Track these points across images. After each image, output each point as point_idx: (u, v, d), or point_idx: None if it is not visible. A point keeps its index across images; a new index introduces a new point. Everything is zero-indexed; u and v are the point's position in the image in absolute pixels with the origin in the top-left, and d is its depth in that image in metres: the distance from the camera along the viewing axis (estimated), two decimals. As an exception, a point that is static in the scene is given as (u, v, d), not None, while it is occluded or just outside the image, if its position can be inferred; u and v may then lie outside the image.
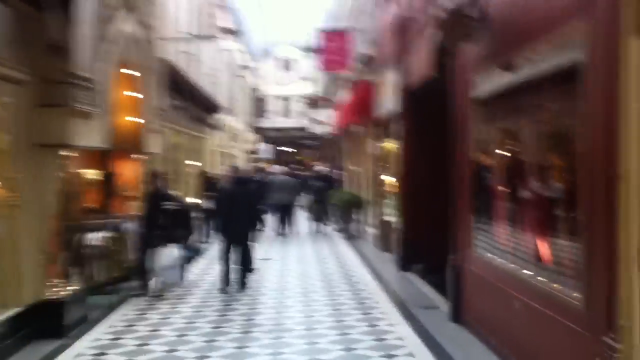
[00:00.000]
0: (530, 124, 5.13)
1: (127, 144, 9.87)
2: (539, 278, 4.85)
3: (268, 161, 37.12)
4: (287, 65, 49.00)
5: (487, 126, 6.24)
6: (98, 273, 8.14)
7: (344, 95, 18.98)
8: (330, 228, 17.32)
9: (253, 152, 37.54)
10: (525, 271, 5.14)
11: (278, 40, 46.64)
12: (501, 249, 5.79)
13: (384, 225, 12.50)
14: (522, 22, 5.15)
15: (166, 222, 8.87)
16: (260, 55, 45.12)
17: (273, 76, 48.20)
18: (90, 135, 7.35)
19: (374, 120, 13.61)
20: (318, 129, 25.86)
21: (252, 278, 9.64)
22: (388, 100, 11.74)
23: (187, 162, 17.43)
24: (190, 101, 15.22)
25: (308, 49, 19.57)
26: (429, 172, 10.21)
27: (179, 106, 12.87)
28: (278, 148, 48.43)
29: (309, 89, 37.46)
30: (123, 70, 9.37)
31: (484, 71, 6.06)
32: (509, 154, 5.79)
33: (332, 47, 16.58)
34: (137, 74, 9.57)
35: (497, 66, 5.62)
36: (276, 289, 9.24)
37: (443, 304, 7.63)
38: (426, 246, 10.05)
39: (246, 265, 9.38)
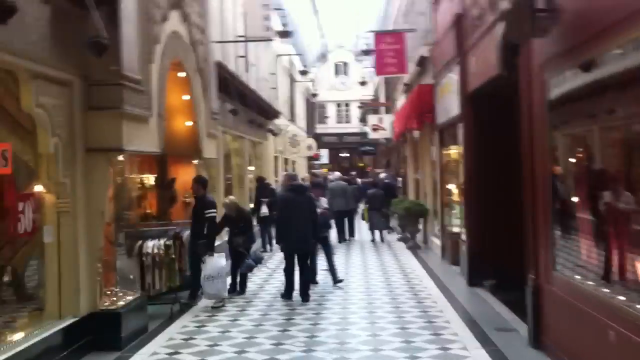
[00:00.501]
0: (618, 127, 4.45)
1: (184, 149, 9.63)
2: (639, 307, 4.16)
3: (327, 167, 36.72)
4: (344, 70, 48.64)
5: (567, 130, 5.56)
6: (158, 282, 7.84)
7: (402, 100, 18.35)
8: (391, 237, 16.76)
9: (312, 158, 37.21)
10: (621, 297, 4.45)
11: (334, 46, 46.33)
12: (588, 268, 5.11)
13: (451, 236, 11.80)
14: (601, 10, 4.48)
15: (211, 230, 8.54)
16: (317, 60, 44.91)
17: (330, 81, 47.91)
18: (143, 139, 7.06)
19: (435, 125, 12.95)
20: (376, 135, 25.25)
21: (314, 289, 9.22)
22: (448, 104, 11.09)
23: (248, 168, 17.21)
24: (249, 106, 14.94)
25: (363, 52, 18.97)
26: (497, 179, 9.53)
27: (237, 111, 12.55)
28: (337, 154, 48.18)
29: (366, 93, 36.90)
30: (179, 74, 9.11)
31: (560, 70, 5.39)
32: (594, 162, 5.10)
33: (387, 49, 15.99)
34: (192, 77, 9.27)
35: (575, 64, 4.94)
36: (339, 302, 8.76)
37: (520, 326, 6.94)
38: (497, 260, 9.38)
39: (309, 276, 9.12)
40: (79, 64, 6.21)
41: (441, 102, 12.07)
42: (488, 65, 7.91)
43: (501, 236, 9.50)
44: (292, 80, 31.37)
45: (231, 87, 12.21)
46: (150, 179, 9.88)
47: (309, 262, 9.18)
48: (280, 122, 23.57)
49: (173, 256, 7.90)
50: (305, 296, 8.77)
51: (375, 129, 24.18)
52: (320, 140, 44.13)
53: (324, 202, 10.90)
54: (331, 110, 49.09)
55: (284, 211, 8.89)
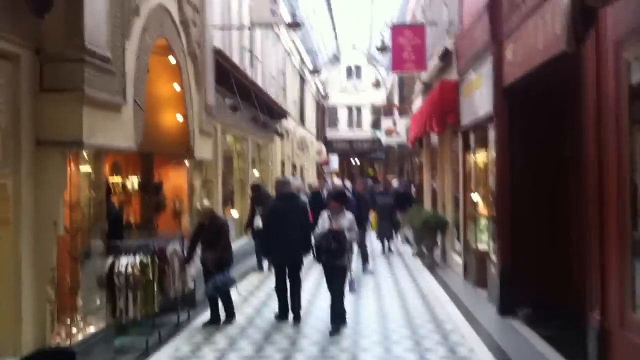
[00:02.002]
0: None
1: (173, 148, 8.31)
2: None
3: (336, 173, 35.40)
4: (356, 73, 47.31)
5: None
6: (131, 308, 6.47)
7: (420, 101, 16.99)
8: (405, 248, 15.44)
9: (322, 163, 35.90)
10: None
11: (346, 48, 44.99)
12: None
13: (476, 254, 10.38)
14: None
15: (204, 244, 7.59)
16: (329, 62, 43.62)
17: (342, 85, 46.58)
18: (113, 132, 5.74)
19: (458, 127, 11.56)
20: (390, 139, 23.88)
21: (320, 314, 7.94)
22: (477, 102, 9.72)
23: (254, 171, 15.92)
24: (253, 104, 13.62)
25: (379, 49, 17.62)
26: (536, 189, 8.19)
27: (238, 107, 11.21)
28: (348, 160, 46.82)
29: (379, 97, 35.56)
30: (169, 58, 7.81)
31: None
32: None
33: (406, 44, 14.62)
34: (182, 62, 7.96)
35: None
36: (349, 335, 7.37)
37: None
38: (534, 285, 8.00)
39: (294, 294, 8.03)
40: (29, 32, 4.93)
41: (467, 100, 10.69)
42: (536, 49, 6.55)
43: (540, 257, 8.15)
44: (303, 81, 30.08)
45: (233, 81, 10.89)
46: (133, 182, 8.57)
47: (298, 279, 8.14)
48: (289, 123, 22.26)
49: (152, 275, 6.53)
50: (296, 317, 7.93)
51: (389, 132, 22.79)
52: (331, 145, 42.84)
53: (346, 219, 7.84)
54: (342, 115, 47.69)
55: (270, 221, 8.01)
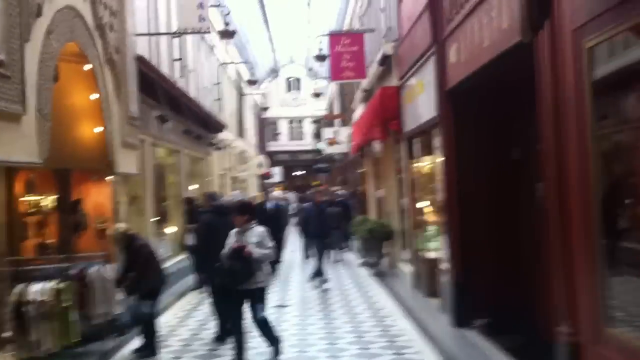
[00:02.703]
0: None
1: (92, 162, 7.52)
2: None
3: (279, 186, 34.70)
4: (296, 85, 46.93)
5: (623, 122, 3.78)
6: (47, 338, 5.65)
7: (362, 109, 16.60)
8: (350, 256, 15.41)
9: (263, 176, 35.15)
10: None
11: (285, 60, 44.58)
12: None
13: (426, 264, 9.94)
14: None
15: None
16: (268, 76, 43.07)
17: (282, 97, 46.11)
18: (10, 145, 4.93)
19: (402, 134, 11.16)
20: (332, 149, 23.43)
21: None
22: (420, 108, 9.34)
23: (190, 187, 15.10)
24: (186, 116, 12.85)
25: (317, 58, 17.18)
26: (487, 194, 7.78)
27: (166, 118, 10.44)
28: (291, 172, 46.25)
29: (320, 107, 35.19)
30: (85, 67, 7.06)
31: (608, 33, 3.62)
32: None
33: (344, 52, 14.23)
34: (98, 70, 7.19)
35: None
36: (292, 352, 6.72)
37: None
38: (492, 294, 7.59)
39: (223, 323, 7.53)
40: None
41: (410, 107, 10.29)
42: (481, 48, 6.15)
43: (496, 265, 7.73)
44: (241, 94, 29.35)
45: (159, 91, 10.12)
46: (47, 201, 7.71)
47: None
48: (226, 136, 21.48)
49: (68, 304, 5.71)
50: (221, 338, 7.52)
51: (331, 143, 22.35)
52: (273, 158, 42.19)
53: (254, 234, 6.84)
54: (283, 127, 47.22)
55: (204, 237, 7.58)
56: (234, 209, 6.52)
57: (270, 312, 8.80)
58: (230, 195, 21.47)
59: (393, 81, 11.41)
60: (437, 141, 8.68)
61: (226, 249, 6.31)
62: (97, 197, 8.08)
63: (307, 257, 14.91)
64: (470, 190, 7.72)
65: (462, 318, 7.74)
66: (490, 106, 7.46)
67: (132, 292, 6.77)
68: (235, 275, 6.12)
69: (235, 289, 6.26)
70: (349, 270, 13.74)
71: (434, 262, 9.63)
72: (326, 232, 11.85)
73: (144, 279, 6.66)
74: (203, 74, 18.39)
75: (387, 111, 10.99)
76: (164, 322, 8.73)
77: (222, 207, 7.76)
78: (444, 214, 8.22)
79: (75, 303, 6.04)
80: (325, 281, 11.39)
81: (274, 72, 44.74)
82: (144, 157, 10.84)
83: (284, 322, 8.44)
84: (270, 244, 6.40)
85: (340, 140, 22.21)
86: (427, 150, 9.76)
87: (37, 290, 5.46)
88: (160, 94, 10.22)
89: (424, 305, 9.35)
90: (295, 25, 29.53)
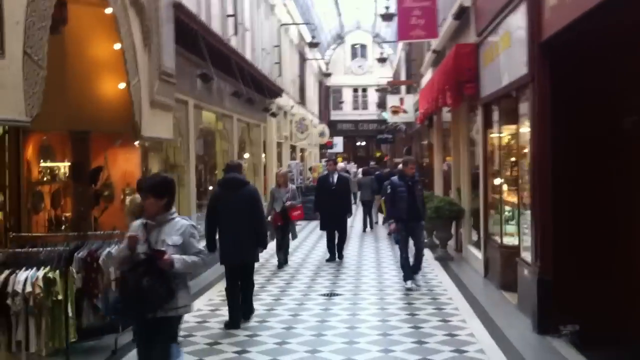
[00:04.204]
0: None
1: (113, 125, 6.50)
2: None
3: (340, 157, 33.51)
4: (361, 53, 45.20)
5: None
6: (34, 339, 4.70)
7: (430, 74, 15.05)
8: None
9: (325, 146, 34.00)
10: None
11: (351, 26, 42.83)
12: None
13: (502, 251, 8.53)
14: None
15: None
16: (333, 42, 41.57)
17: (346, 65, 44.56)
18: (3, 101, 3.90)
19: (478, 100, 9.67)
20: (397, 118, 21.93)
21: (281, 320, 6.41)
22: (502, 67, 7.86)
23: (244, 156, 14.13)
24: (237, 77, 11.72)
25: (383, 17, 15.69)
26: (590, 174, 6.30)
27: (210, 77, 9.33)
28: (354, 143, 44.93)
29: (385, 75, 33.51)
30: (106, 10, 6.00)
31: None
32: None
33: (414, 7, 12.74)
34: (120, 13, 6.09)
35: None
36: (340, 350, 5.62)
37: None
38: (586, 296, 6.18)
39: (245, 302, 7.04)
40: None
41: (489, 67, 8.78)
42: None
43: (593, 260, 6.32)
44: (303, 59, 28.10)
45: (204, 46, 8.99)
46: (63, 169, 6.77)
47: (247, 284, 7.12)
48: (285, 102, 20.35)
49: (59, 297, 4.71)
50: (246, 314, 6.99)
51: (395, 111, 20.86)
52: (335, 127, 40.91)
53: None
54: (347, 96, 45.72)
55: (213, 212, 6.89)
56: (146, 188, 4.23)
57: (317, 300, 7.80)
58: (288, 165, 20.52)
59: (470, 39, 9.88)
60: (524, 107, 7.22)
61: (122, 253, 4.14)
62: (125, 166, 7.07)
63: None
64: (567, 168, 6.28)
65: (547, 323, 6.38)
66: (599, 63, 5.94)
67: None
68: (145, 296, 3.94)
69: (143, 319, 4.09)
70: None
71: (511, 250, 8.24)
72: (419, 214, 8.88)
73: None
74: (262, 34, 17.24)
75: (462, 72, 9.50)
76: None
77: (235, 180, 6.86)
78: (531, 194, 6.78)
79: (70, 296, 5.01)
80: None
81: (339, 38, 43.18)
82: (187, 120, 9.82)
83: (329, 313, 7.33)
84: (201, 244, 4.28)
85: (405, 108, 20.67)
86: (510, 118, 8.30)
87: (24, 279, 4.48)
88: (205, 50, 9.08)
89: (498, 301, 7.99)
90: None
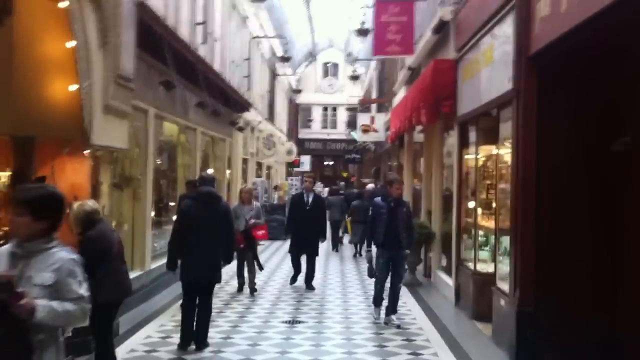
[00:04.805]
0: None
1: (61, 130, 5.86)
2: None
3: (310, 175, 33.02)
4: (333, 71, 45.00)
5: None
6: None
7: (404, 93, 14.71)
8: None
9: (292, 164, 33.47)
10: None
11: (324, 44, 42.60)
12: None
13: (475, 279, 8.10)
14: None
15: None
16: (305, 59, 41.26)
17: (317, 83, 44.28)
18: None
19: (454, 119, 9.31)
20: (367, 137, 21.58)
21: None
22: (483, 83, 7.51)
23: (209, 171, 13.47)
24: (207, 89, 11.13)
25: (358, 33, 15.36)
26: (581, 195, 5.93)
27: (172, 84, 8.74)
28: (321, 162, 44.51)
29: (356, 95, 33.25)
30: (60, 4, 5.43)
31: None
32: None
33: (391, 22, 12.40)
34: (74, 6, 5.50)
35: None
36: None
37: None
38: (568, 330, 5.79)
39: (200, 327, 6.51)
40: None
41: (469, 84, 8.43)
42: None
43: (577, 289, 5.92)
44: (274, 74, 27.65)
45: (167, 51, 8.42)
46: (3, 178, 6.09)
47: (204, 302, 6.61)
48: (253, 117, 19.80)
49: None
50: (199, 347, 6.42)
51: (366, 130, 20.48)
52: (303, 145, 40.48)
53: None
54: (317, 114, 45.38)
55: (182, 226, 6.53)
56: (23, 200, 3.00)
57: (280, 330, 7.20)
58: (253, 182, 19.92)
59: (448, 55, 9.53)
60: (505, 126, 6.84)
61: None
62: (73, 176, 6.40)
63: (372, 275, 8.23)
64: (554, 190, 5.88)
65: (526, 357, 5.92)
66: (592, 78, 5.59)
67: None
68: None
69: None
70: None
71: (484, 278, 7.83)
72: (399, 242, 7.72)
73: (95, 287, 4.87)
74: (232, 46, 16.72)
75: (439, 89, 9.12)
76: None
77: (208, 194, 6.54)
78: (512, 219, 6.36)
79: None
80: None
81: (311, 55, 42.89)
82: (147, 131, 9.20)
83: (295, 346, 6.74)
84: (82, 288, 2.99)
85: (375, 127, 20.34)
86: (488, 138, 7.94)
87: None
88: (169, 55, 8.51)
89: (470, 332, 7.53)
90: (336, 3, 27.57)
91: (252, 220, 9.59)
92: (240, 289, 9.77)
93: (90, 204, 5.09)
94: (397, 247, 7.73)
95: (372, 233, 7.80)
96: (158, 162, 11.03)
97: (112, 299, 4.94)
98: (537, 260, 6.00)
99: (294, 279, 10.49)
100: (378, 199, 8.04)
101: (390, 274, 7.89)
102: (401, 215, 7.76)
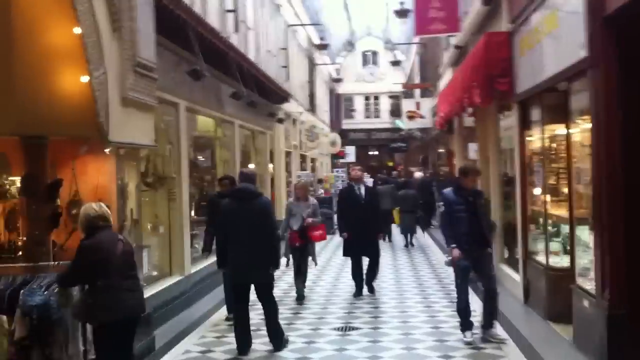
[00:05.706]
0: None
1: (74, 127, 5.27)
2: None
3: (353, 166, 32.21)
4: (372, 59, 43.98)
5: None
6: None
7: (450, 75, 13.78)
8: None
9: (337, 155, 32.71)
10: None
11: (362, 33, 41.60)
12: None
13: (547, 274, 7.19)
14: None
15: None
16: (343, 49, 40.40)
17: (357, 72, 43.35)
18: None
19: (511, 97, 8.37)
20: (412, 124, 20.68)
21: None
22: (549, 54, 6.60)
23: (250, 166, 12.94)
24: (237, 78, 10.48)
25: (397, 14, 14.48)
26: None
27: (201, 74, 8.09)
28: (366, 152, 43.66)
29: (398, 81, 32.25)
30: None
31: None
32: None
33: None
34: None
35: None
36: None
37: None
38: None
39: (269, 321, 6.27)
40: None
41: (527, 57, 7.50)
42: None
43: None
44: (313, 64, 26.90)
45: (191, 35, 7.76)
46: (14, 183, 5.54)
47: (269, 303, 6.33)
48: (293, 108, 19.12)
49: None
50: (277, 344, 6.22)
51: (412, 116, 19.58)
52: (347, 136, 39.66)
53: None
54: (359, 104, 44.49)
55: (224, 226, 6.28)
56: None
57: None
58: (298, 175, 19.26)
59: (500, 26, 8.59)
60: (578, 100, 5.91)
61: None
62: (96, 178, 5.82)
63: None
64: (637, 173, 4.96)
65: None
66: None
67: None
68: None
69: None
70: (431, 268, 11.20)
71: (558, 273, 6.91)
72: (484, 239, 6.74)
73: (89, 303, 4.24)
74: (267, 35, 16.06)
75: (493, 65, 8.19)
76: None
77: (247, 191, 6.23)
78: (594, 208, 5.44)
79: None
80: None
81: (350, 45, 41.97)
82: (178, 125, 8.60)
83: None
84: None
85: (422, 112, 19.40)
86: (555, 117, 7.01)
87: None
88: (194, 41, 7.86)
89: (546, 335, 6.60)
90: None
91: (309, 219, 8.51)
92: (299, 299, 8.68)
93: (96, 207, 4.46)
94: (483, 245, 6.66)
95: (448, 234, 6.68)
96: (200, 159, 10.46)
97: (108, 318, 4.26)
98: (628, 255, 5.09)
99: (359, 292, 9.09)
100: (449, 192, 6.76)
101: (479, 278, 6.88)
102: (481, 209, 6.70)
